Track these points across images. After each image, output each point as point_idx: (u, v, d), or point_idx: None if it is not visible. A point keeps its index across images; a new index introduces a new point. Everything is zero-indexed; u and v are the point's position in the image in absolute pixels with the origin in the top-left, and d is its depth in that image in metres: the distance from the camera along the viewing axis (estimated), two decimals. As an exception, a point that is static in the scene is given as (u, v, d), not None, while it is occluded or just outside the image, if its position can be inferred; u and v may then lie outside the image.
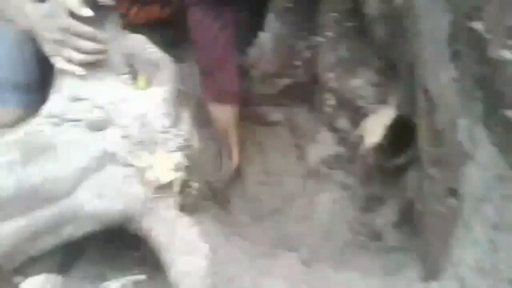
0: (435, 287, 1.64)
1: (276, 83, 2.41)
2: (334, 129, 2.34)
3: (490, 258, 1.55)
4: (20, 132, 1.46)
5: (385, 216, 2.28)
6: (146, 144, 1.49)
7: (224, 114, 2.27)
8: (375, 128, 1.93)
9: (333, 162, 2.41)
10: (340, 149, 2.36)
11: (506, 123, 1.51)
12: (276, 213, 2.53)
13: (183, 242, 1.41)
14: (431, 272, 1.64)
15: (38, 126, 1.45)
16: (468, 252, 1.61)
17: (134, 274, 1.45)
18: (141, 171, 1.44)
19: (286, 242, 2.39)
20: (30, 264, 1.31)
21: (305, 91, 2.43)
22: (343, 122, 2.25)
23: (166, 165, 1.49)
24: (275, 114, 2.60)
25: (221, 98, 2.24)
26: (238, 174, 2.48)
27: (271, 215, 2.52)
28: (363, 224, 2.34)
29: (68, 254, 1.47)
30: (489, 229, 1.58)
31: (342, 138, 2.31)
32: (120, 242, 1.56)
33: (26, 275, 1.30)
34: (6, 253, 1.22)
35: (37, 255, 1.31)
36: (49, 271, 1.36)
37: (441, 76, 1.52)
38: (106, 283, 1.26)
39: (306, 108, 2.54)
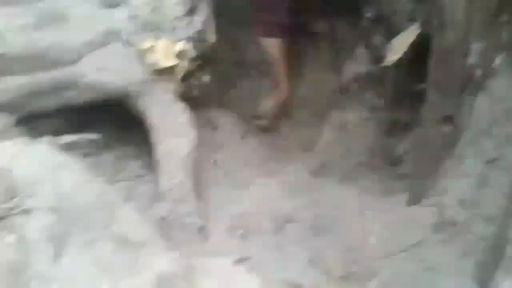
0: (414, 211, 1.63)
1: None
2: (370, 46, 2.24)
3: (474, 193, 1.50)
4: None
5: (407, 143, 2.22)
6: (153, 28, 1.57)
7: (270, 46, 2.30)
8: (400, 46, 1.82)
9: (365, 81, 2.33)
10: (373, 68, 2.27)
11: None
12: (304, 125, 2.56)
13: (173, 125, 1.53)
14: (415, 197, 1.63)
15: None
16: (455, 182, 1.56)
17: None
18: (142, 52, 1.53)
19: (302, 149, 2.45)
20: (34, 125, 1.50)
21: (347, 3, 2.31)
22: (378, 39, 2.14)
23: (168, 51, 1.57)
24: (317, 25, 2.52)
25: (266, 30, 2.25)
26: (286, 107, 2.51)
27: (298, 125, 2.56)
28: (383, 147, 2.31)
29: (79, 120, 1.65)
30: (483, 164, 1.51)
31: (376, 56, 2.21)
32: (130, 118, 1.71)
33: (36, 127, 1.50)
34: (9, 102, 1.42)
35: (40, 113, 1.50)
36: (59, 129, 1.56)
37: (459, -9, 1.37)
38: (64, 136, 1.41)
39: (347, 22, 2.42)
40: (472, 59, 1.40)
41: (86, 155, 1.52)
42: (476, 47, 1.40)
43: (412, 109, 2.23)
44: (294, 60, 2.51)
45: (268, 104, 2.45)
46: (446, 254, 1.43)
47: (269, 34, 2.30)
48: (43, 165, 1.03)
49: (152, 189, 1.63)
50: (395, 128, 2.28)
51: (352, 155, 2.36)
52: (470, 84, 1.44)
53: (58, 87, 1.47)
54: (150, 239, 1.15)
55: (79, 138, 1.39)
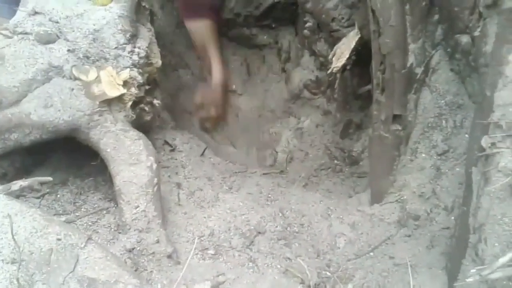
0: (376, 209, 1.68)
1: (259, 3, 2.35)
2: (314, 53, 2.29)
3: (432, 185, 1.56)
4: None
5: (362, 143, 2.29)
6: (95, 59, 1.54)
7: (200, 28, 2.23)
8: (343, 51, 1.88)
9: (315, 87, 2.39)
10: (321, 74, 2.33)
11: (461, 49, 1.45)
12: (257, 134, 2.58)
13: (129, 153, 1.50)
14: (376, 195, 1.67)
15: (-9, 37, 1.52)
16: (411, 177, 1.62)
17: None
18: (88, 85, 1.49)
19: (262, 162, 2.47)
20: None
21: (288, 13, 2.36)
22: (321, 46, 2.20)
23: (114, 81, 1.54)
24: (262, 37, 2.56)
25: (195, 11, 2.20)
26: (227, 91, 2.49)
27: (252, 135, 2.59)
28: (340, 149, 2.37)
29: (29, 161, 1.60)
30: (435, 157, 1.58)
31: (322, 63, 2.27)
32: (84, 152, 1.67)
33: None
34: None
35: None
36: (8, 174, 1.50)
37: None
38: (15, 182, 1.36)
39: (291, 31, 2.48)
40: (411, 59, 1.46)
41: (41, 196, 1.46)
42: (413, 47, 1.46)
43: (362, 110, 2.32)
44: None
45: (202, 93, 2.40)
46: (414, 248, 1.48)
47: (199, 16, 2.21)
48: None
49: (115, 222, 1.59)
50: (349, 130, 2.35)
51: (311, 160, 2.41)
52: (412, 82, 1.51)
53: (1, 131, 1.40)
54: (119, 276, 1.12)
55: (30, 182, 1.33)
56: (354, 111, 2.29)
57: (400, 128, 1.55)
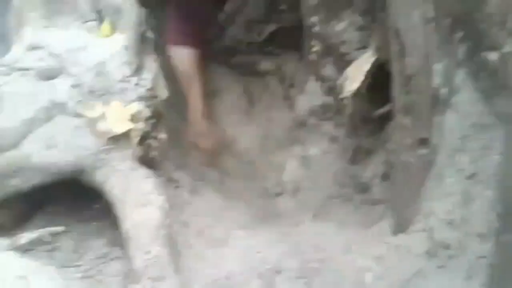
0: (402, 239, 1.58)
1: (262, 29, 2.30)
2: (321, 78, 2.23)
3: (461, 211, 1.47)
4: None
5: (373, 169, 2.21)
6: (100, 93, 1.45)
7: (183, 56, 2.14)
8: (356, 75, 1.81)
9: (321, 113, 2.31)
10: (328, 99, 2.26)
11: (488, 67, 1.40)
12: (262, 165, 2.49)
13: (137, 195, 1.39)
14: (401, 224, 1.58)
15: (-12, 76, 1.43)
16: (439, 204, 1.53)
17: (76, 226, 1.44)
18: (93, 121, 1.40)
19: (267, 193, 2.37)
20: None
21: (292, 38, 2.31)
22: (329, 70, 2.14)
23: (121, 116, 1.45)
24: (264, 63, 2.50)
25: (181, 39, 2.12)
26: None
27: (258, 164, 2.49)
28: (350, 176, 2.27)
29: (26, 207, 1.48)
30: (463, 181, 1.49)
31: (329, 87, 2.20)
32: (82, 194, 1.56)
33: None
34: None
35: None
36: (5, 223, 1.37)
37: (413, 15, 1.38)
38: (24, 234, 1.24)
39: (295, 57, 2.42)
40: (436, 79, 1.40)
41: (53, 249, 1.34)
42: (438, 67, 1.40)
43: (372, 135, 2.25)
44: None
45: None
46: (449, 280, 1.38)
47: (184, 44, 2.12)
48: (6, 278, 0.85)
49: (123, 268, 1.47)
50: (358, 156, 2.26)
51: (320, 189, 2.32)
52: (437, 104, 1.44)
53: (1, 176, 1.29)
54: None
55: (40, 234, 1.21)
56: (363, 136, 2.21)
57: (426, 152, 1.47)
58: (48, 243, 1.31)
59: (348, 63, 1.93)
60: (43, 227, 1.39)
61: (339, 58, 2.00)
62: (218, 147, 2.39)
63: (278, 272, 1.61)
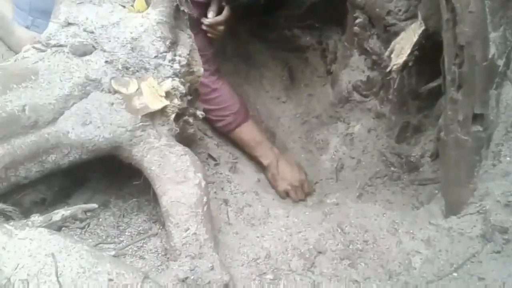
0: (454, 222, 1.48)
1: (301, 1, 2.21)
2: (365, 52, 2.12)
3: (520, 192, 1.36)
4: (12, 59, 1.45)
5: (422, 147, 2.10)
6: (134, 70, 1.42)
7: None
8: (403, 47, 1.70)
9: (366, 88, 2.21)
10: (373, 74, 2.15)
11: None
12: (305, 143, 2.43)
13: (174, 172, 1.36)
14: (453, 206, 1.48)
15: (24, 52, 1.42)
16: (495, 185, 1.41)
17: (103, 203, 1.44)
18: (128, 98, 1.37)
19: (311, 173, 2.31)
20: (22, 192, 1.34)
21: (334, 10, 2.20)
22: (374, 43, 2.03)
23: (156, 92, 1.41)
24: (305, 38, 2.41)
25: None
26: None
27: (299, 144, 2.44)
28: (397, 155, 2.17)
29: (67, 183, 1.49)
30: (523, 160, 1.38)
31: (374, 62, 2.09)
32: (122, 170, 1.56)
33: (19, 203, 1.33)
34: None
35: (24, 183, 1.32)
36: (45, 200, 1.38)
37: (468, -23, 1.25)
38: (56, 211, 1.24)
39: (337, 30, 2.32)
40: (492, 49, 1.28)
41: (86, 225, 1.34)
42: (494, 35, 1.28)
43: (421, 111, 2.13)
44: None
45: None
46: (507, 266, 1.28)
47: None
48: (36, 256, 0.84)
49: (161, 245, 1.46)
50: (406, 133, 2.15)
51: (365, 168, 2.23)
52: (494, 76, 1.32)
53: (38, 153, 1.29)
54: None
55: (74, 211, 1.21)
56: (412, 112, 2.09)
57: (481, 129, 1.36)
58: (83, 219, 1.32)
59: (394, 34, 1.81)
60: (84, 203, 1.40)
61: (385, 30, 1.88)
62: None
63: (320, 252, 1.56)
